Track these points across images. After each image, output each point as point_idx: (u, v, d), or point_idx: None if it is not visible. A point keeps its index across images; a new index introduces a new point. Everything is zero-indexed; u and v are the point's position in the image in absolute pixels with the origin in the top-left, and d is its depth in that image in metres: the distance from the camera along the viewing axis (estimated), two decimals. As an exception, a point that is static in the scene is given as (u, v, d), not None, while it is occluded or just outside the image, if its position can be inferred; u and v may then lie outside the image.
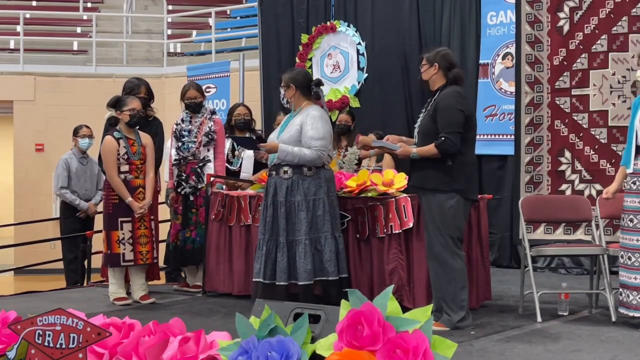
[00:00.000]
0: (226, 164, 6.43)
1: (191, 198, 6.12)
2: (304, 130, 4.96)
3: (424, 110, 4.73)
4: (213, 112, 6.39)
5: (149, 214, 5.68)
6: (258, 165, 6.30)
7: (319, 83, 5.18)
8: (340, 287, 4.87)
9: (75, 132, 7.81)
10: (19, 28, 12.64)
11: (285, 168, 4.98)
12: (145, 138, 5.76)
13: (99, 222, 7.73)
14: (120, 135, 5.62)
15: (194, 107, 6.25)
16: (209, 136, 6.16)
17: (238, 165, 6.52)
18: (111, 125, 5.76)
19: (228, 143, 6.50)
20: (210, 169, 6.15)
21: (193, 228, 6.14)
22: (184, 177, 6.14)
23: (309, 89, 5.13)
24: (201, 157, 6.16)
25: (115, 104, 5.66)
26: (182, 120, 6.27)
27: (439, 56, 4.67)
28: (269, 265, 4.96)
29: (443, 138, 4.46)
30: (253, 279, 5.07)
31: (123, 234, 5.57)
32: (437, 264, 4.56)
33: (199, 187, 6.10)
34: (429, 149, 4.51)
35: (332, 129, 5.19)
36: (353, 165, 6.74)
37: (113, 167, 5.56)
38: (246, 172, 6.46)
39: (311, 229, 4.92)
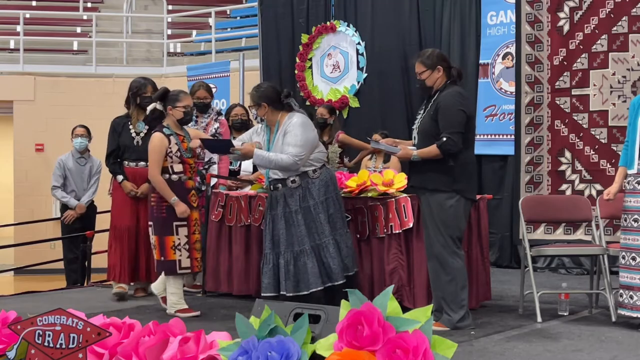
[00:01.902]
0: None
1: (195, 199, 6.12)
2: (284, 138, 4.90)
3: (422, 111, 4.71)
4: (219, 113, 6.39)
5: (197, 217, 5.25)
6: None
7: (289, 94, 5.06)
8: (356, 282, 4.92)
9: (71, 133, 7.82)
10: (19, 28, 12.63)
11: (293, 177, 4.93)
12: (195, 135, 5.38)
13: (99, 222, 7.78)
14: (170, 131, 5.16)
15: (201, 108, 6.25)
16: (215, 137, 6.14)
17: (238, 165, 6.51)
18: (154, 119, 5.29)
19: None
20: (214, 170, 6.15)
21: (196, 228, 6.14)
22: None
23: (280, 102, 5.01)
24: (206, 159, 6.16)
25: (164, 97, 5.19)
26: None
27: (435, 57, 4.63)
28: (290, 277, 4.86)
29: (445, 138, 4.44)
30: (262, 294, 4.91)
31: (179, 239, 5.07)
32: (437, 263, 4.55)
33: (203, 188, 6.09)
34: (430, 150, 4.49)
35: (315, 135, 5.03)
36: (335, 164, 6.71)
37: (157, 165, 5.08)
38: (246, 171, 6.46)
39: (332, 228, 4.92)
